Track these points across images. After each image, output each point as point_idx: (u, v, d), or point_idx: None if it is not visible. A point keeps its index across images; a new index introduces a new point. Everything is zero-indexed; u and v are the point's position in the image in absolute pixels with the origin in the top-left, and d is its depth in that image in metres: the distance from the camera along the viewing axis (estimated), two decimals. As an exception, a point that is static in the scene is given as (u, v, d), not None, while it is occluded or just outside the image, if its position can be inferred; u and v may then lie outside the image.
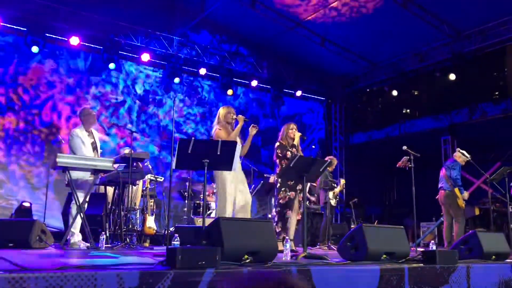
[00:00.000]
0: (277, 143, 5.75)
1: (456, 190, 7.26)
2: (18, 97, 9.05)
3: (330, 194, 8.13)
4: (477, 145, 10.42)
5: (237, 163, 5.10)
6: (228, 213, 5.24)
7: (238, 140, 5.62)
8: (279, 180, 5.61)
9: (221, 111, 5.60)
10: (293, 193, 5.48)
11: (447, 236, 7.48)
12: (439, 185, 7.56)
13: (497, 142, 11.05)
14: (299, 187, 5.45)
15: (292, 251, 4.66)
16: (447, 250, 5.25)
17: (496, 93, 10.81)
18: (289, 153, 5.55)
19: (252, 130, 5.41)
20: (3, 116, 8.86)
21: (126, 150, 6.27)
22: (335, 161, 8.30)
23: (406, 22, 9.71)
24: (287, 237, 4.60)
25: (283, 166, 5.42)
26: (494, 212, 8.02)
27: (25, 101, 9.12)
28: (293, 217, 5.50)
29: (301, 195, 5.35)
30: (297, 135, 5.71)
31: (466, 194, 7.33)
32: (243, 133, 6.01)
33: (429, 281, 3.55)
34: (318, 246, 7.83)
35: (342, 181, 8.69)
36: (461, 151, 7.51)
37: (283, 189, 5.53)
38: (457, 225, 7.30)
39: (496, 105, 10.49)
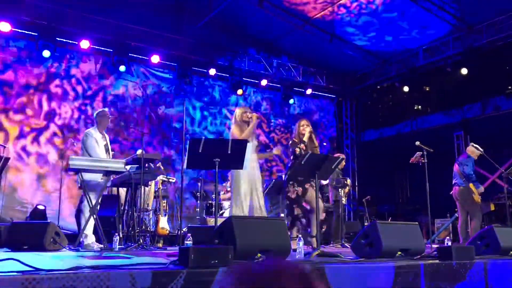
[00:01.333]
0: (290, 141, 5.76)
1: (471, 185, 7.16)
2: (30, 101, 9.14)
3: (341, 192, 8.08)
4: (490, 140, 10.27)
5: (249, 161, 5.11)
6: (243, 213, 5.26)
7: (255, 139, 5.64)
8: (288, 173, 5.60)
9: (237, 111, 5.73)
10: (301, 188, 5.41)
11: (462, 232, 7.39)
12: (453, 181, 7.47)
13: (511, 136, 10.90)
14: (308, 184, 5.39)
15: (314, 249, 4.62)
16: (464, 246, 5.18)
17: (509, 87, 10.65)
18: (297, 150, 5.50)
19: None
20: (16, 120, 8.95)
21: (138, 152, 6.30)
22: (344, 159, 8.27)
23: (415, 17, 9.62)
24: (300, 235, 4.55)
25: (295, 163, 5.38)
26: (510, 207, 7.90)
27: (38, 105, 9.21)
28: (313, 214, 5.40)
29: (314, 191, 5.28)
30: (307, 130, 5.67)
31: (481, 188, 7.23)
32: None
33: (445, 278, 3.50)
34: (331, 244, 7.78)
35: (348, 181, 8.64)
36: (474, 145, 7.41)
37: (291, 182, 5.45)
38: (474, 220, 7.20)
39: (509, 99, 10.34)
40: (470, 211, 7.25)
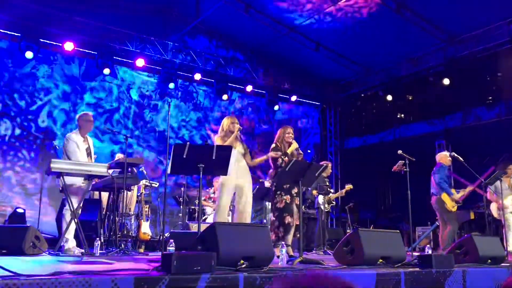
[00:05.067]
0: (273, 145, 5.65)
1: (444, 194, 7.24)
2: (13, 102, 9.01)
3: (320, 198, 8.10)
4: (471, 149, 10.43)
5: (235, 168, 5.12)
6: (224, 219, 5.25)
7: (240, 146, 5.62)
8: (274, 183, 5.55)
9: (225, 121, 5.71)
10: (289, 196, 5.38)
11: (442, 241, 7.47)
12: (431, 191, 7.56)
13: (491, 146, 11.08)
14: (295, 190, 5.37)
15: (290, 256, 4.64)
16: (443, 254, 5.25)
17: (490, 97, 10.87)
18: (279, 160, 5.48)
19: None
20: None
21: (121, 156, 6.25)
22: (330, 166, 8.30)
23: (399, 28, 9.76)
24: (283, 243, 4.56)
25: (279, 170, 5.36)
26: (489, 216, 8.03)
27: (20, 107, 9.08)
28: (292, 223, 5.43)
29: (298, 199, 5.28)
30: (293, 145, 5.59)
31: (456, 196, 7.26)
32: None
33: (425, 286, 3.55)
34: (314, 251, 7.81)
35: (348, 186, 8.55)
36: (447, 154, 7.49)
37: (278, 192, 5.40)
38: (448, 228, 7.25)
39: (489, 109, 10.55)
40: (446, 219, 7.33)
